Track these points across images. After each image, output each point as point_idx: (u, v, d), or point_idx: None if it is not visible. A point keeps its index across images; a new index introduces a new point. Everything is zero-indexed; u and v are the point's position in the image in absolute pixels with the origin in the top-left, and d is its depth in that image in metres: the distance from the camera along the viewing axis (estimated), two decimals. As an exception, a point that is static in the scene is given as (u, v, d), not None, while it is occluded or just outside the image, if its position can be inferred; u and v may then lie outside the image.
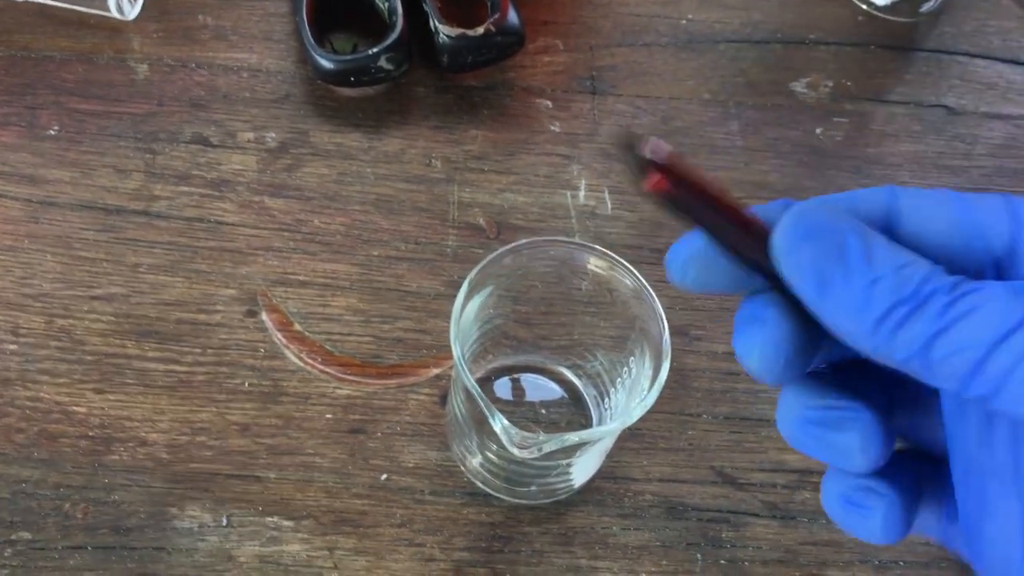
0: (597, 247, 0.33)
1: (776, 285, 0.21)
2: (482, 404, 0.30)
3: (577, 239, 0.35)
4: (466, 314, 0.32)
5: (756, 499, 0.37)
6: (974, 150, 0.47)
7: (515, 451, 0.30)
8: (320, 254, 0.40)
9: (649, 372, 0.32)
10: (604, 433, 0.31)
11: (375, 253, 0.41)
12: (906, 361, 0.19)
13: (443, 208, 0.42)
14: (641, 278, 0.32)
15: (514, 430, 0.29)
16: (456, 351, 0.30)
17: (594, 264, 0.33)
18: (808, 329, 0.21)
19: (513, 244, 0.32)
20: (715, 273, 0.22)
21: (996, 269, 0.21)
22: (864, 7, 0.50)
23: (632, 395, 0.33)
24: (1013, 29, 0.50)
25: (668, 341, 0.31)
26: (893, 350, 0.19)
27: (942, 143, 0.47)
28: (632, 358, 0.34)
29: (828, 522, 0.36)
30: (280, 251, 0.40)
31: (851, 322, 0.19)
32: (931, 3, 0.49)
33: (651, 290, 0.32)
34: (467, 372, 0.30)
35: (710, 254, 0.22)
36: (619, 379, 0.35)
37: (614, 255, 0.32)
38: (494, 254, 0.32)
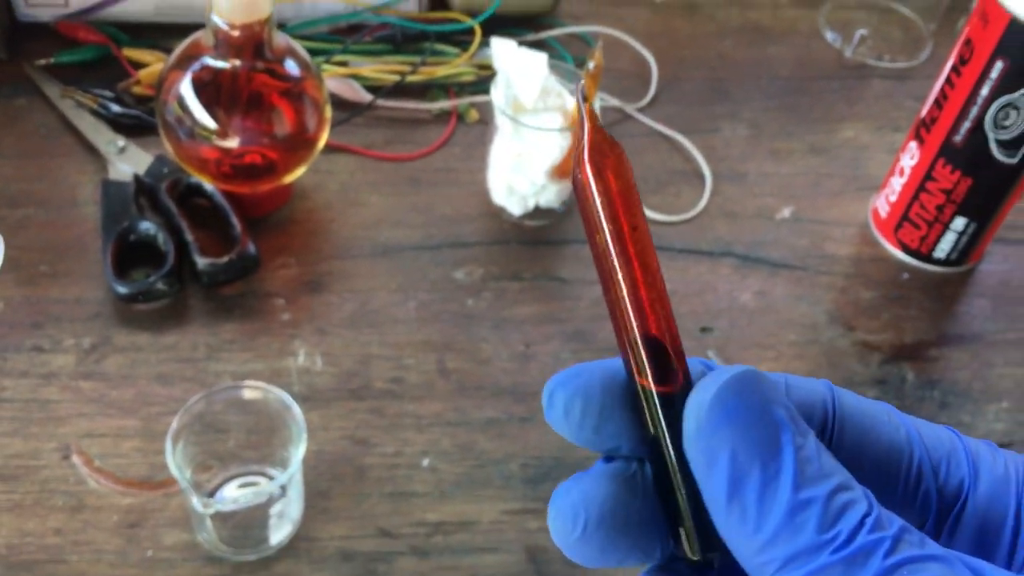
0: (254, 383, 0.53)
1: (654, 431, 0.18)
2: (186, 488, 0.49)
3: (249, 382, 0.56)
4: (182, 446, 0.52)
5: (404, 544, 0.57)
6: (578, 306, 0.69)
7: (201, 509, 0.49)
8: (115, 415, 0.61)
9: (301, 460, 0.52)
10: (256, 495, 0.51)
11: (154, 411, 0.61)
12: None
13: (205, 377, 0.63)
14: (291, 400, 0.53)
15: (197, 499, 0.49)
16: (173, 469, 0.50)
17: (255, 395, 0.53)
18: (640, 510, 0.18)
19: (200, 394, 0.53)
20: (610, 424, 0.18)
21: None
22: (508, 218, 0.73)
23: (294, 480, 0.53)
24: (610, 222, 0.74)
25: (304, 440, 0.51)
26: None
27: (556, 304, 0.69)
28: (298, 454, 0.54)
29: (458, 556, 0.56)
30: (88, 415, 0.60)
31: (756, 548, 0.16)
32: (559, 207, 0.73)
33: (296, 407, 0.53)
34: (184, 481, 0.50)
35: (605, 396, 0.18)
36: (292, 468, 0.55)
37: (269, 387, 0.53)
38: (187, 403, 0.52)
